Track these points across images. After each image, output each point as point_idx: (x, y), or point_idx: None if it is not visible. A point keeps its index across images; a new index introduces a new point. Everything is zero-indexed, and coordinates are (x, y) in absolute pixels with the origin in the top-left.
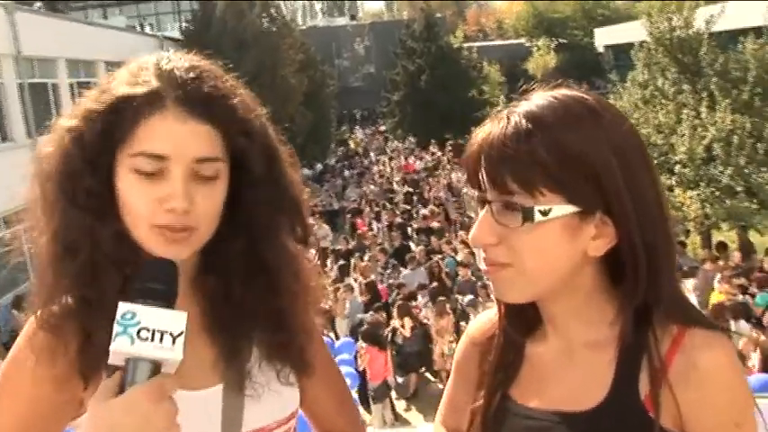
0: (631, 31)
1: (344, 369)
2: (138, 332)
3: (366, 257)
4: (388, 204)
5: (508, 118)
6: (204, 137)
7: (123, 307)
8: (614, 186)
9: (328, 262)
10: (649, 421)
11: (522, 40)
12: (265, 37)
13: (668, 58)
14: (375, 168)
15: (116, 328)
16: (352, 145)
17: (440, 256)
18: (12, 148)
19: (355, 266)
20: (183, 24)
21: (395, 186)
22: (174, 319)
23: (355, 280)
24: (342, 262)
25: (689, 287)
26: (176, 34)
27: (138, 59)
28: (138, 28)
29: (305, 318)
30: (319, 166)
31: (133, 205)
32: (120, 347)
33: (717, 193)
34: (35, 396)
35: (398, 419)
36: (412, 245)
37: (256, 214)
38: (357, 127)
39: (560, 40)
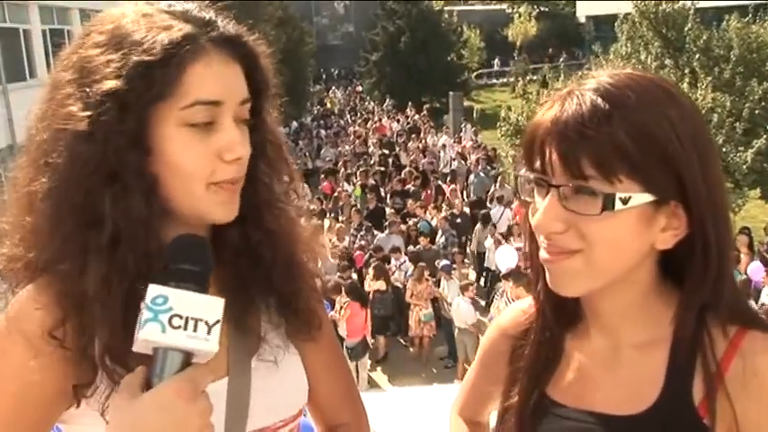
0: (613, 3)
1: None
2: (170, 319)
3: (340, 219)
4: (362, 166)
5: (581, 97)
6: (241, 77)
7: (154, 290)
8: (692, 176)
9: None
10: (704, 429)
11: (504, 6)
12: None
13: (652, 32)
14: (350, 129)
15: (145, 314)
16: (328, 104)
17: (415, 220)
18: None
19: (330, 227)
20: None
21: (370, 148)
22: (211, 306)
23: (330, 241)
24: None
25: None
26: None
27: (125, 8)
28: None
29: (311, 278)
30: (295, 125)
31: (188, 165)
32: (150, 335)
33: None
34: (24, 376)
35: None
36: (387, 208)
37: (260, 171)
38: (334, 87)
39: (542, 8)
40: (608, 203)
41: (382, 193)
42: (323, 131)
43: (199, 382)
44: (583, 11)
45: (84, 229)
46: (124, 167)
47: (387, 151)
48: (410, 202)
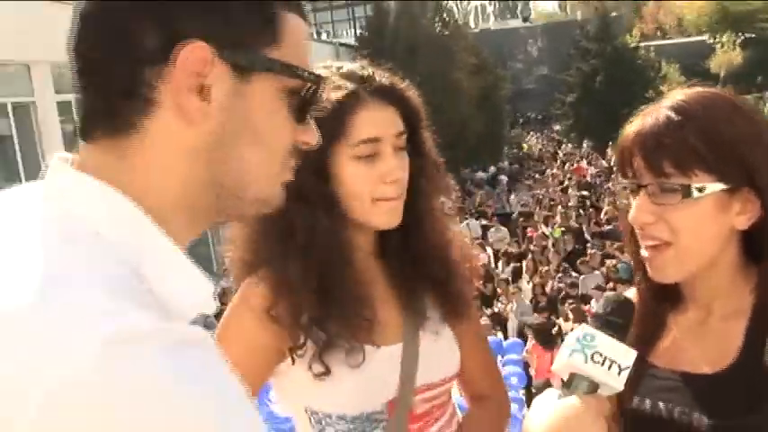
0: None
1: (511, 369)
2: (593, 355)
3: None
4: (560, 209)
5: (658, 112)
6: (395, 116)
7: (585, 329)
8: (757, 164)
9: (500, 264)
10: None
11: (704, 37)
12: (438, 41)
13: None
14: (548, 172)
15: (575, 345)
16: (525, 148)
17: (613, 261)
18: None
19: (527, 268)
20: (358, 31)
21: (570, 191)
22: (626, 354)
23: (528, 282)
24: (514, 264)
25: None
26: (351, 41)
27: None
28: (315, 35)
29: (462, 274)
30: (492, 169)
31: (357, 186)
32: (575, 363)
33: None
34: (253, 339)
35: None
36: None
37: (421, 186)
38: (531, 132)
39: (747, 35)
40: (687, 193)
41: (585, 235)
42: (520, 176)
43: (604, 408)
44: None
45: (285, 239)
46: (310, 192)
47: (586, 192)
48: (608, 243)
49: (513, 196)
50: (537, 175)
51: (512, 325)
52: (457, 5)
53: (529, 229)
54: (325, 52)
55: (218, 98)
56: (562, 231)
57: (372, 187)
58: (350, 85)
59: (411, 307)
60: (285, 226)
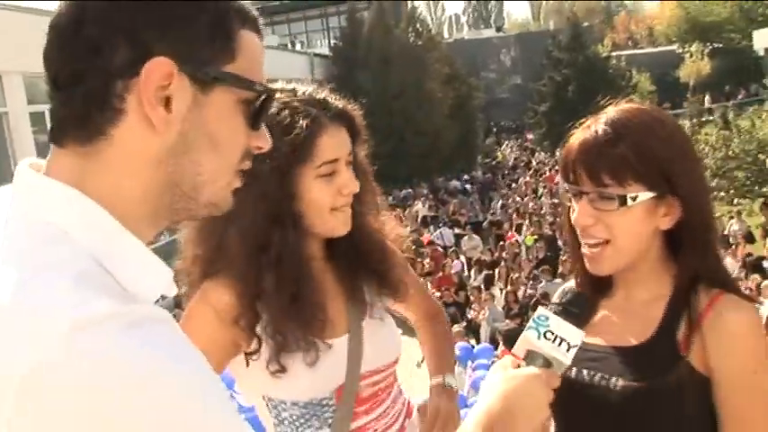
0: None
1: (481, 373)
2: (545, 333)
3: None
4: (534, 217)
5: (596, 126)
6: (347, 136)
7: (540, 311)
8: (679, 175)
9: (472, 272)
10: (679, 355)
11: (674, 47)
12: (411, 51)
13: None
14: (521, 180)
15: (531, 324)
16: (499, 157)
17: None
18: None
19: (499, 276)
20: (332, 41)
21: (543, 199)
22: (574, 334)
23: (501, 290)
24: (487, 272)
25: None
26: (325, 51)
27: (284, 85)
28: (290, 46)
29: (398, 262)
30: (466, 178)
31: (320, 200)
32: (529, 338)
33: None
34: (212, 334)
35: None
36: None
37: (359, 192)
38: (506, 142)
39: (715, 45)
40: (622, 201)
41: (559, 242)
42: (493, 184)
43: (554, 380)
44: (761, 43)
45: (259, 252)
46: (282, 211)
47: (557, 201)
48: None
49: (498, 203)
50: (513, 184)
51: (484, 331)
52: (431, 16)
53: (510, 234)
54: (299, 63)
55: (180, 109)
56: (534, 239)
57: (331, 200)
58: (312, 111)
59: (353, 298)
60: (256, 243)
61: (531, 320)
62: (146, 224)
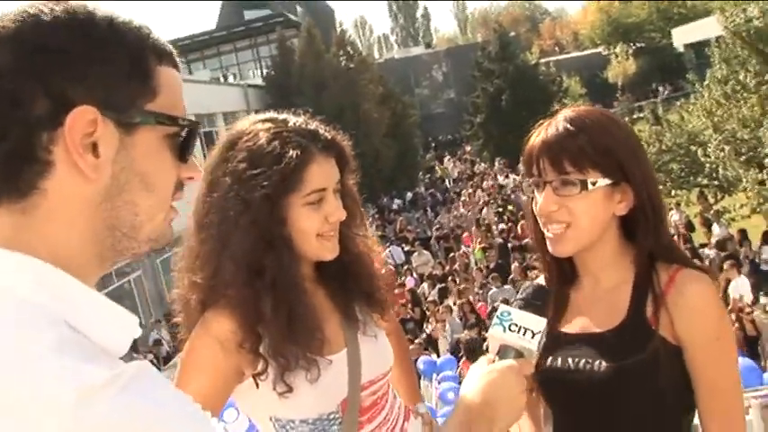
0: (709, 27)
1: (447, 385)
2: (510, 326)
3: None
4: (481, 227)
5: (557, 124)
6: (335, 166)
7: (502, 308)
8: (630, 164)
9: (425, 286)
10: (652, 331)
11: (600, 49)
12: (344, 74)
13: (747, 51)
14: (464, 192)
15: (495, 321)
16: (439, 172)
17: (536, 272)
18: None
19: (450, 290)
20: (265, 71)
21: (486, 209)
22: (537, 322)
23: (454, 303)
24: (440, 285)
25: None
26: (259, 81)
27: (255, 124)
28: (223, 79)
29: (383, 283)
30: (409, 195)
31: (308, 226)
32: (495, 333)
33: None
34: (216, 365)
35: None
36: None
37: (347, 218)
38: (447, 156)
39: (638, 45)
40: (583, 186)
41: (509, 250)
42: (437, 198)
43: (526, 368)
44: (680, 40)
45: (255, 277)
46: (274, 236)
47: (501, 209)
48: (528, 255)
49: (444, 217)
50: (463, 198)
51: (443, 344)
52: (360, 38)
53: (466, 236)
54: (233, 95)
55: (108, 153)
56: (483, 249)
57: (318, 226)
58: (302, 141)
59: (347, 316)
60: (253, 266)
61: (494, 317)
62: (91, 268)
